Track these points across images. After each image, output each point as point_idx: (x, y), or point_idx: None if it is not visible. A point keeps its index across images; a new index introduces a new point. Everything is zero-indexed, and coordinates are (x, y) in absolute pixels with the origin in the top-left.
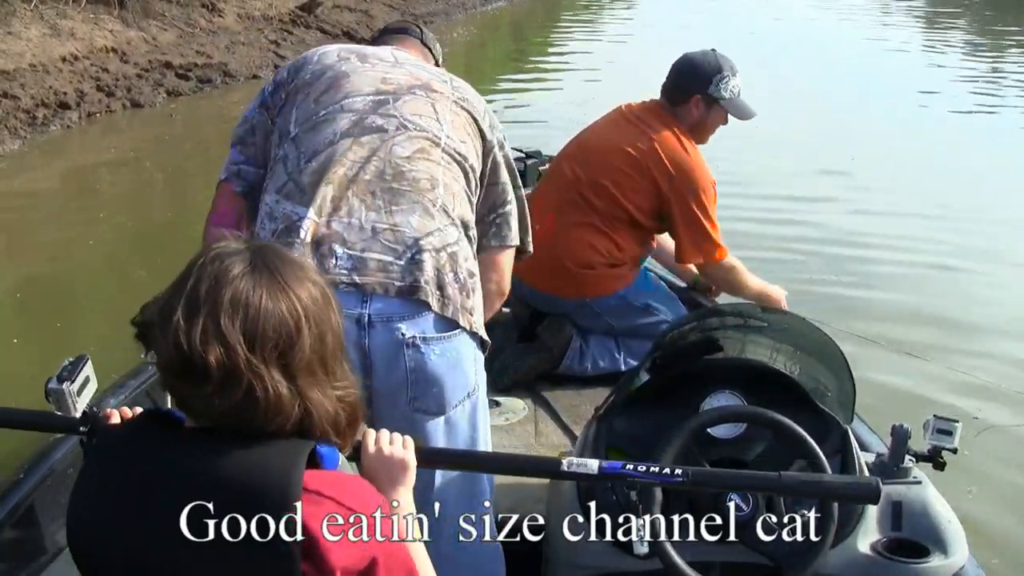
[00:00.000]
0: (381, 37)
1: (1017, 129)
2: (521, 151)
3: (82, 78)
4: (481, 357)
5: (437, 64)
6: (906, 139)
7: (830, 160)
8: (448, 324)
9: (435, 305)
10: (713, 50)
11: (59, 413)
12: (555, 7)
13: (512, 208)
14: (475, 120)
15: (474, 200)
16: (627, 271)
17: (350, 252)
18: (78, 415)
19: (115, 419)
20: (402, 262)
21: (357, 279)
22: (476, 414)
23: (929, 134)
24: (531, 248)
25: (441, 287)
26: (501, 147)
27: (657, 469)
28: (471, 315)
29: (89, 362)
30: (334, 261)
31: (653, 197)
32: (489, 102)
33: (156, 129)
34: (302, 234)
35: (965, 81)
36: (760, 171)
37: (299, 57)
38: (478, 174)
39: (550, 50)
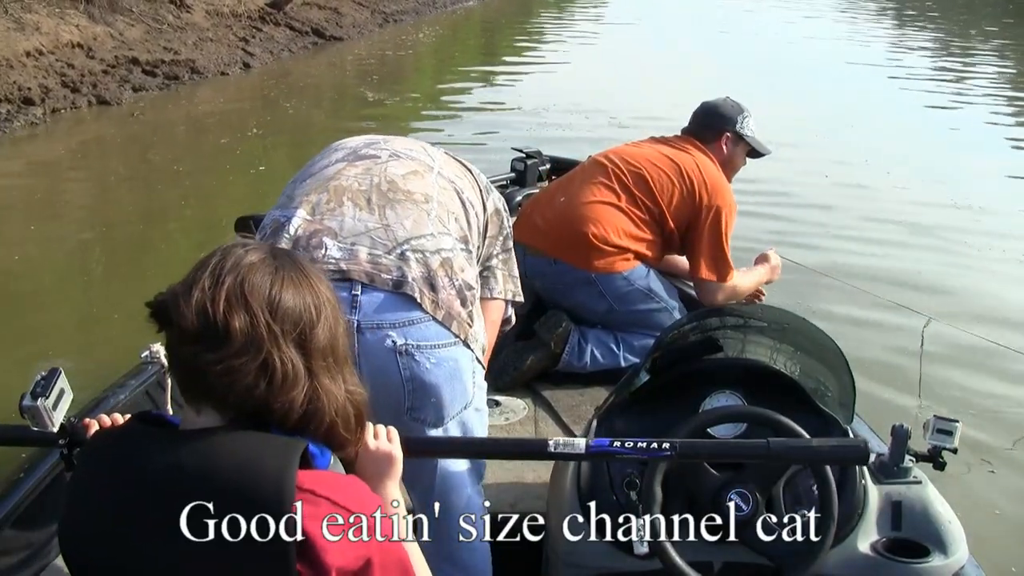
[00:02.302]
0: None
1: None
2: (521, 151)
3: (47, 74)
4: (480, 370)
5: None
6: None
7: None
8: (443, 331)
9: (427, 306)
10: (727, 96)
11: (36, 429)
12: (525, 6)
13: (499, 262)
14: (469, 171)
15: (474, 230)
16: (635, 261)
17: (340, 244)
18: (55, 429)
19: (95, 428)
20: (391, 256)
21: (344, 267)
22: (472, 424)
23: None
24: (521, 297)
25: (433, 288)
26: (496, 203)
27: (644, 444)
28: (468, 326)
29: (62, 375)
30: (323, 252)
31: (689, 207)
32: (454, 103)
33: (122, 126)
34: (291, 230)
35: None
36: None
37: None
38: (477, 212)
39: (518, 51)
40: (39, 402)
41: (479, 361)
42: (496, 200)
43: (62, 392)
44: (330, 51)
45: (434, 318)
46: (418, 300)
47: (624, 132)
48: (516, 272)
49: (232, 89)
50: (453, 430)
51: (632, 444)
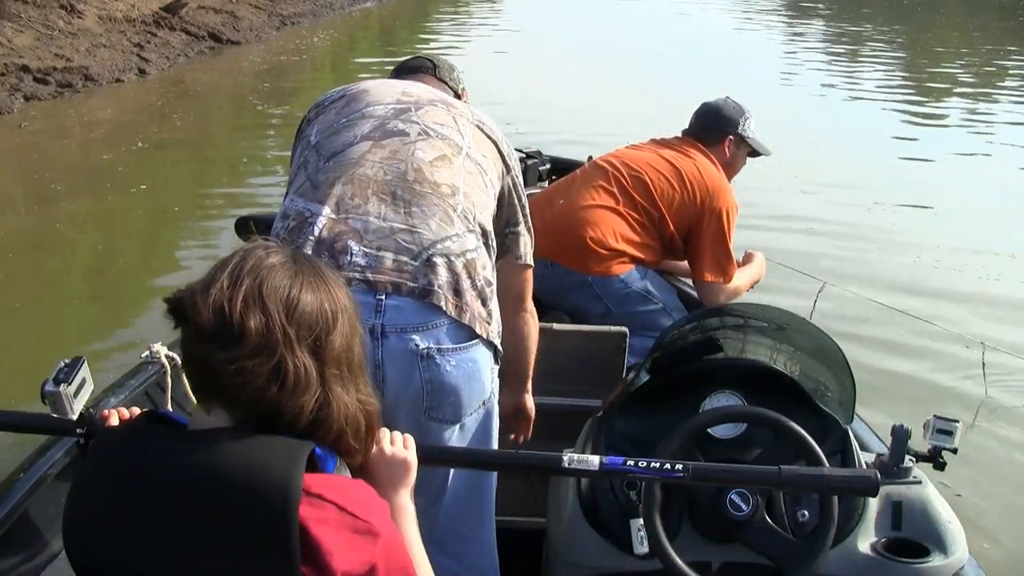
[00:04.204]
0: (396, 76)
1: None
2: (521, 151)
3: None
4: (496, 366)
5: (457, 95)
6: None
7: None
8: (465, 333)
9: (452, 311)
10: (728, 97)
11: (56, 415)
12: (422, 7)
13: (523, 229)
14: (494, 143)
15: (492, 212)
16: (632, 264)
17: (366, 249)
18: (75, 417)
19: (113, 420)
20: (417, 263)
21: (371, 276)
22: (490, 420)
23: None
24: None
25: (458, 293)
26: (516, 173)
27: (658, 465)
28: (488, 324)
29: (85, 364)
30: (348, 258)
31: (690, 210)
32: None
33: (7, 138)
34: (316, 231)
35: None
36: None
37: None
38: (496, 190)
39: (415, 54)
40: (61, 388)
41: (497, 352)
42: (515, 178)
43: (84, 381)
44: (227, 55)
45: (458, 321)
46: (443, 307)
47: (522, 138)
48: (532, 239)
49: (125, 97)
50: (470, 426)
51: (646, 464)
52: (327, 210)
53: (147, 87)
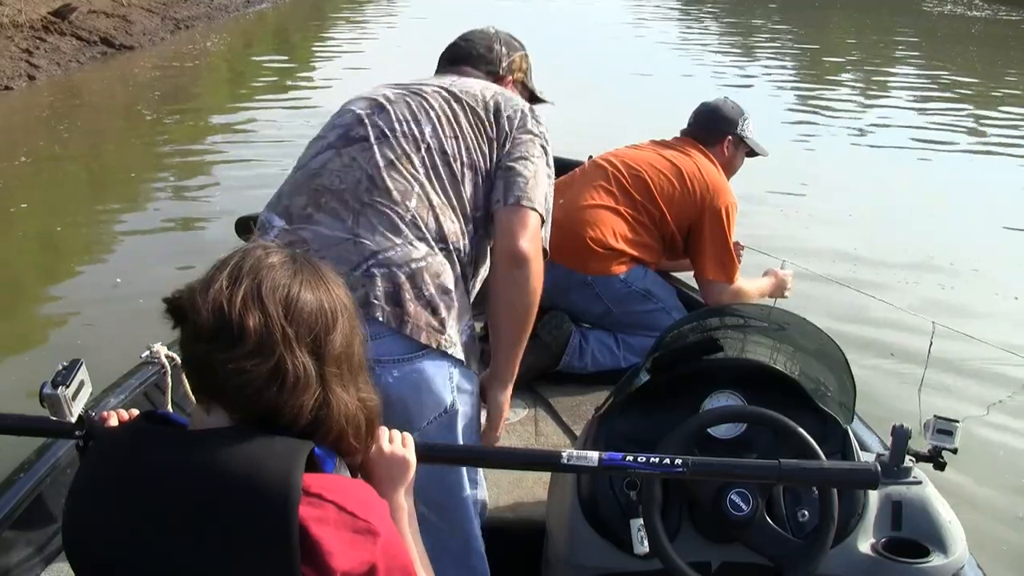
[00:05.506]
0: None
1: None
2: None
3: None
4: (459, 373)
5: (499, 77)
6: None
7: None
8: (408, 344)
9: (392, 322)
10: (726, 97)
11: (55, 418)
12: (318, 8)
13: (523, 171)
14: (474, 108)
15: (466, 201)
16: (632, 263)
17: None
18: (74, 419)
19: (112, 422)
20: (356, 274)
21: None
22: (455, 429)
23: None
24: (534, 203)
25: (399, 303)
26: (523, 126)
27: (657, 460)
28: (440, 333)
29: (84, 366)
30: None
31: (691, 209)
32: (240, 120)
33: None
34: (269, 240)
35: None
36: None
37: None
38: (481, 167)
39: (312, 57)
40: (59, 391)
41: (460, 363)
42: (515, 130)
43: (82, 383)
44: (121, 60)
45: (398, 332)
46: (380, 319)
47: None
48: (530, 177)
49: (14, 105)
50: (430, 434)
51: (645, 459)
52: (281, 221)
53: (36, 96)
